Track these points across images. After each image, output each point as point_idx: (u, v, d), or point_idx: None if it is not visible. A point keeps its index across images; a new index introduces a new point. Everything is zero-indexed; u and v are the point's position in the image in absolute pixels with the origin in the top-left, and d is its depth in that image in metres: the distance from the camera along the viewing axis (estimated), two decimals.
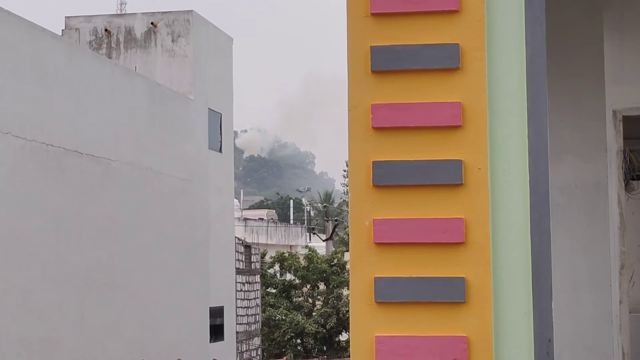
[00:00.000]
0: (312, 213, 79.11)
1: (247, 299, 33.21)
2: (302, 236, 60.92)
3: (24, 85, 18.83)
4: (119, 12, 39.69)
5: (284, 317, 37.99)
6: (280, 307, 38.88)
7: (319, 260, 40.68)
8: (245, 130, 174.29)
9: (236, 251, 31.73)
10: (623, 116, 6.50)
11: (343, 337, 39.56)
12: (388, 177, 3.12)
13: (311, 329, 37.91)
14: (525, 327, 3.08)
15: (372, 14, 3.17)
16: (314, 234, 62.28)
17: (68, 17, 28.69)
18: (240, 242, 33.81)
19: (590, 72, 6.21)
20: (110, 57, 27.22)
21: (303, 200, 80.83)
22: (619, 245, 6.41)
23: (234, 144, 33.96)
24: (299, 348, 38.81)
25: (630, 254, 9.67)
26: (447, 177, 3.10)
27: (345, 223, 57.19)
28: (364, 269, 3.13)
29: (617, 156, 6.40)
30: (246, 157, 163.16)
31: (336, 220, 58.97)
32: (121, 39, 28.18)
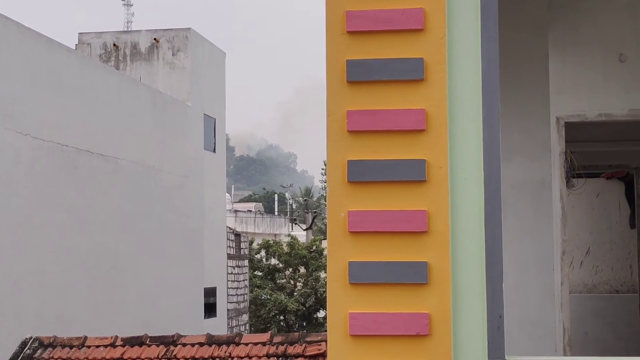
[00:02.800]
0: (294, 206, 78.97)
1: (236, 281, 33.14)
2: (285, 226, 60.82)
3: (42, 93, 18.72)
4: (125, 29, 39.51)
5: (269, 297, 37.91)
6: (265, 287, 38.81)
7: (300, 247, 40.63)
8: (237, 133, 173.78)
9: (227, 239, 31.66)
10: (565, 122, 6.53)
11: (321, 314, 39.53)
12: (361, 174, 3.13)
13: (293, 307, 37.87)
14: (480, 305, 3.09)
15: (348, 32, 3.17)
16: (295, 224, 62.15)
17: (81, 34, 28.52)
18: (231, 231, 33.72)
19: (537, 84, 6.23)
20: (117, 69, 27.10)
21: (286, 194, 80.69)
22: (560, 234, 6.43)
23: (227, 145, 33.82)
24: (282, 324, 38.74)
25: (570, 242, 9.73)
26: (412, 174, 3.10)
27: (323, 214, 57.16)
28: (340, 254, 3.13)
29: (559, 157, 6.42)
30: (237, 157, 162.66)
31: (315, 212, 58.86)
32: (127, 52, 28.06)
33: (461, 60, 3.15)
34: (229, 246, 32.18)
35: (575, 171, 7.62)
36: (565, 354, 6.35)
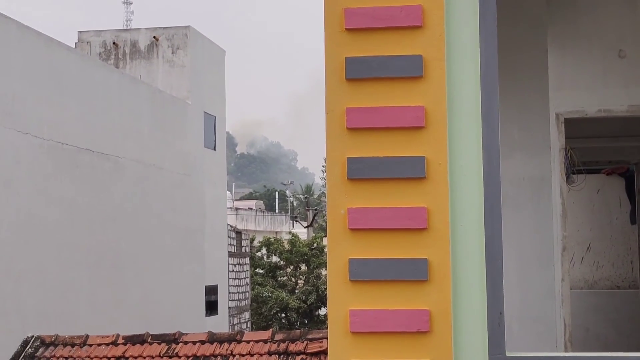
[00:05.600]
0: (294, 203, 78.95)
1: (238, 279, 33.14)
2: (286, 223, 60.84)
3: (42, 91, 18.72)
4: (125, 28, 39.48)
5: (270, 294, 37.92)
6: (267, 285, 38.81)
7: (301, 244, 40.63)
8: (238, 131, 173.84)
9: (228, 237, 31.65)
10: (565, 118, 6.52)
11: (322, 311, 39.53)
12: (361, 172, 3.13)
13: (294, 305, 37.89)
14: (480, 302, 3.09)
15: (347, 29, 3.17)
16: (296, 221, 62.10)
17: (80, 32, 28.51)
18: (232, 228, 33.71)
19: (536, 80, 6.22)
20: (117, 67, 27.09)
21: (287, 192, 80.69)
22: (561, 230, 6.43)
23: (231, 142, 33.79)
24: (283, 321, 38.75)
25: (570, 238, 9.72)
26: (412, 171, 3.10)
27: (324, 212, 57.09)
28: (340, 251, 3.13)
29: (559, 153, 6.42)
30: (237, 155, 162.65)
31: (316, 209, 58.76)
32: (127, 51, 28.05)
33: (460, 57, 3.15)
34: (230, 244, 32.18)
35: (575, 167, 7.61)
36: (566, 350, 6.35)
